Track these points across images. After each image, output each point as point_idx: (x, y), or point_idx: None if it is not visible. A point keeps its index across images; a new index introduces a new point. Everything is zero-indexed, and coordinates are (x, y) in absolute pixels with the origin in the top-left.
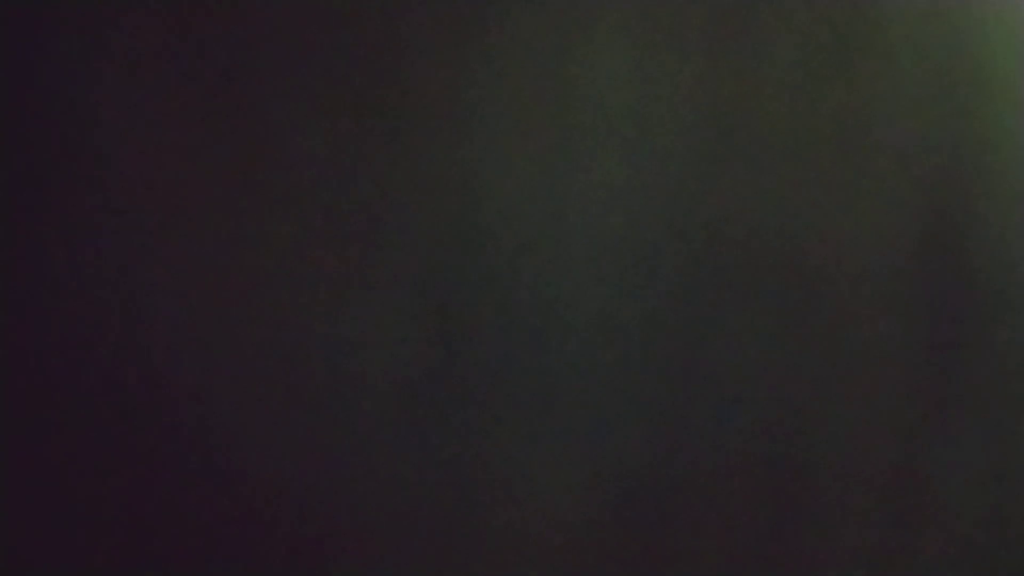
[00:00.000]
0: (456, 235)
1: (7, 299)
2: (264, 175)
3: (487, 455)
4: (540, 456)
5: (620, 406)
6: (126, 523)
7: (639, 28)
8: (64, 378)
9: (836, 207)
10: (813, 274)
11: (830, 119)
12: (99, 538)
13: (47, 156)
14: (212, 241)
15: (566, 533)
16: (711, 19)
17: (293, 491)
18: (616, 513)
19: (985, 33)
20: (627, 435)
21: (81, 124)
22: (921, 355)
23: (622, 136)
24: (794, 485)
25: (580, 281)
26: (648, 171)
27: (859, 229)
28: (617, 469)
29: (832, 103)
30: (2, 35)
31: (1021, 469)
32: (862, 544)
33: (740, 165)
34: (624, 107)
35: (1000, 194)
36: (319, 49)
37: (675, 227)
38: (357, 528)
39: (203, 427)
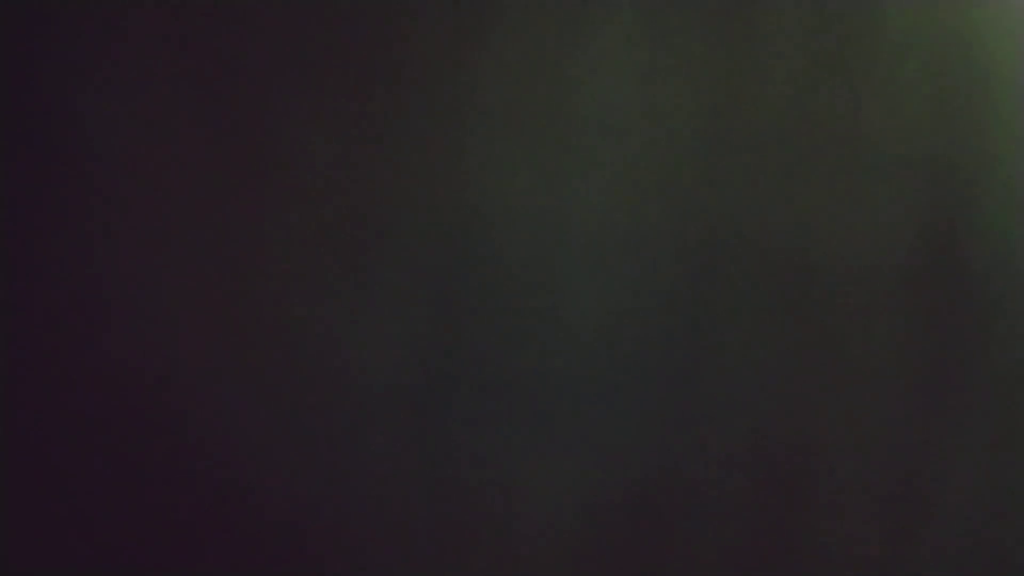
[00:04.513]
0: (456, 237)
1: (7, 299)
2: (264, 176)
3: (486, 458)
4: (539, 460)
5: (620, 409)
6: (125, 522)
7: (640, 29)
8: (64, 377)
9: (837, 209)
10: (814, 277)
11: (831, 121)
12: (99, 538)
13: (47, 156)
14: (212, 241)
15: (566, 536)
16: (712, 19)
17: (292, 491)
18: (615, 517)
19: (985, 33)
20: (627, 438)
21: (81, 124)
22: (922, 357)
23: (623, 137)
24: (795, 486)
25: (581, 283)
26: (649, 172)
27: (860, 232)
28: (616, 472)
29: (833, 105)
30: (2, 35)
31: (1022, 470)
32: (863, 547)
33: (741, 167)
34: (625, 108)
35: (1000, 194)
36: (319, 49)
37: (676, 228)
38: (355, 529)
39: (202, 426)
